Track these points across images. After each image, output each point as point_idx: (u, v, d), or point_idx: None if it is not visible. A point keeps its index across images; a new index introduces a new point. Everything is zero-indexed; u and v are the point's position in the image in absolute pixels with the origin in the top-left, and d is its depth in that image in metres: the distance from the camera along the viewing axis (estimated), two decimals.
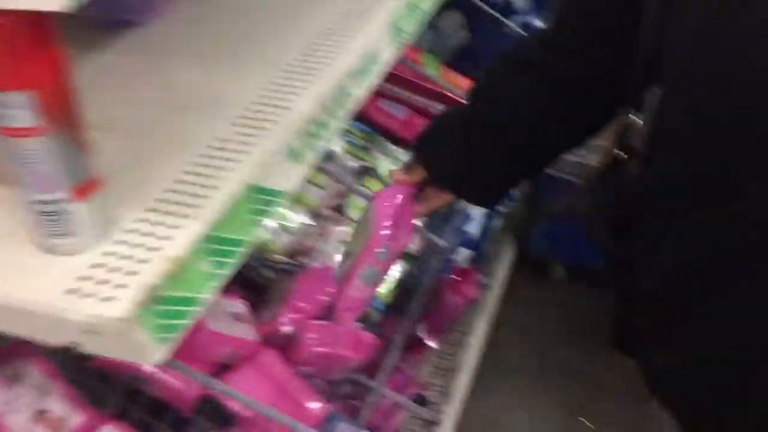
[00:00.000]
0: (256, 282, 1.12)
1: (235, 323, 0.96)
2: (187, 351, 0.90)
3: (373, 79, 0.81)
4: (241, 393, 0.92)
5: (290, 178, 0.64)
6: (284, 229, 1.05)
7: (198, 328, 0.89)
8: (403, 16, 0.86)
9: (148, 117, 0.68)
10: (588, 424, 1.71)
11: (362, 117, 1.32)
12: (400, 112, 1.36)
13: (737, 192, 0.58)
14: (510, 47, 0.88)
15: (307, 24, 0.82)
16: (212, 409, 0.88)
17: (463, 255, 1.57)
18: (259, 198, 0.60)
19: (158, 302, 0.48)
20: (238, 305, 1.01)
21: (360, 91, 0.78)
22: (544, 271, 2.08)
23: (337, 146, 1.21)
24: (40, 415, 0.78)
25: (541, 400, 1.77)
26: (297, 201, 1.08)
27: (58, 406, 0.79)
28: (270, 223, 1.04)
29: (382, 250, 0.84)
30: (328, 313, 1.08)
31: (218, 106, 0.69)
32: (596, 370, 1.85)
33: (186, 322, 0.50)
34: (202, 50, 0.79)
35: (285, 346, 1.00)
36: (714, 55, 0.57)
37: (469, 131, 0.82)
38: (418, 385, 1.38)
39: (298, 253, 1.08)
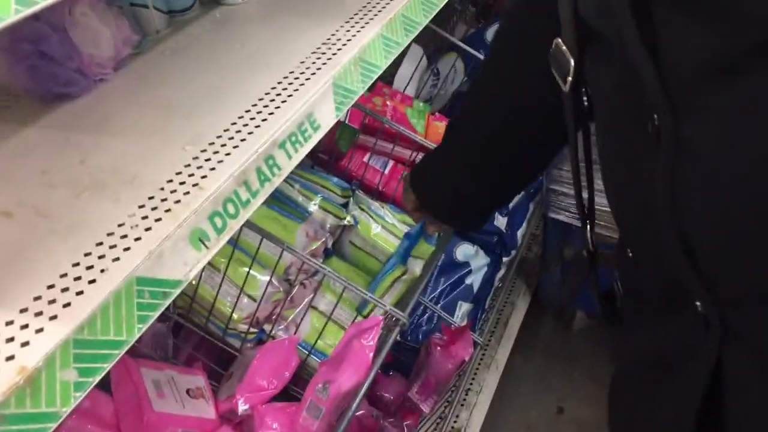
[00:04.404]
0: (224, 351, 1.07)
1: (189, 400, 0.91)
2: None
3: (310, 144, 0.76)
4: None
5: (190, 264, 0.59)
6: (249, 295, 1.01)
7: (144, 409, 0.85)
8: (347, 73, 0.81)
9: (56, 199, 0.65)
10: None
11: (341, 171, 1.28)
12: (381, 165, 1.31)
13: None
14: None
15: (245, 90, 0.79)
16: None
17: (463, 309, 1.50)
18: (148, 291, 0.56)
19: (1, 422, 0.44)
20: (197, 379, 0.97)
21: (295, 157, 0.74)
22: (565, 319, 1.98)
23: (312, 205, 1.16)
24: None
25: None
26: (264, 264, 1.03)
27: None
28: (233, 289, 1.00)
29: (319, 386, 0.86)
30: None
31: (131, 187, 0.66)
32: None
33: None
34: (129, 123, 0.76)
35: (243, 424, 0.94)
36: None
37: (448, 157, 0.86)
38: None
39: (264, 320, 1.03)
